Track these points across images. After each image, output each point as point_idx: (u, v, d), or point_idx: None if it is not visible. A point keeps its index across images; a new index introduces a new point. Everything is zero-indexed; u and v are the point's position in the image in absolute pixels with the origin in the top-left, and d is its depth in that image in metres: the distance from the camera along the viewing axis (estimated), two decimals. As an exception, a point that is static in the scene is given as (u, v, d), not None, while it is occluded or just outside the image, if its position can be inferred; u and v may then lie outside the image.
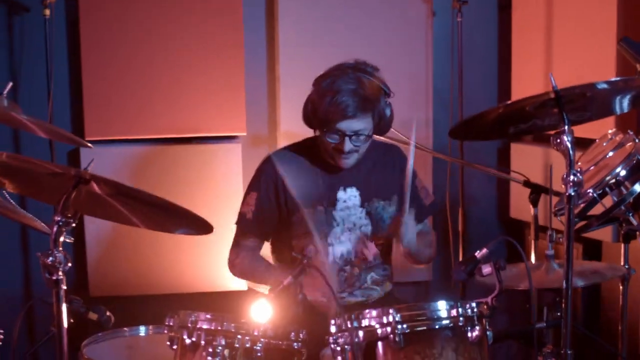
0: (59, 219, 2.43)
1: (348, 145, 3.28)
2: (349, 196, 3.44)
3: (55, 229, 2.43)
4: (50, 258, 2.40)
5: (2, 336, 3.01)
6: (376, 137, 3.45)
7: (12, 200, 3.31)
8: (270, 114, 4.69)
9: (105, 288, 4.46)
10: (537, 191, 3.74)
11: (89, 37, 4.41)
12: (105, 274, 4.48)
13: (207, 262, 4.48)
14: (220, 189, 4.47)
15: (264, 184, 3.45)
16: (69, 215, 2.45)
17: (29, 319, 4.49)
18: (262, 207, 3.44)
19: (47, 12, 4.24)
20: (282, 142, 4.43)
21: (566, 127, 2.61)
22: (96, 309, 2.96)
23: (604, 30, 4.08)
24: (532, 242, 3.79)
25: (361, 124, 3.26)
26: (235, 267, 3.54)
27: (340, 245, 3.43)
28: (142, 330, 3.35)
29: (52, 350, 2.59)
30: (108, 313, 2.99)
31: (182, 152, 4.52)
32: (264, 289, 3.43)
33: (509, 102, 2.75)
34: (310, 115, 3.34)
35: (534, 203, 3.73)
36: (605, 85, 2.68)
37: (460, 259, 4.56)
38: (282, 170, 3.39)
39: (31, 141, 4.32)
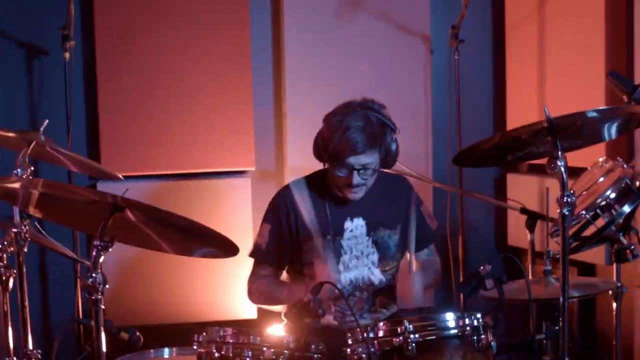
0: (97, 243, 2.57)
1: (356, 179, 3.40)
2: (355, 226, 3.56)
3: (94, 252, 2.56)
4: (91, 279, 2.53)
5: (39, 356, 3.16)
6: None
7: (42, 230, 3.47)
8: (277, 150, 4.82)
9: (124, 317, 4.48)
10: (533, 218, 3.86)
11: (105, 79, 4.57)
12: (123, 304, 4.58)
13: (219, 292, 4.62)
14: (230, 223, 4.56)
15: (276, 216, 3.58)
16: (107, 240, 2.59)
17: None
18: (275, 238, 3.57)
19: (67, 55, 4.36)
20: (290, 176, 4.54)
21: (559, 153, 2.77)
22: (127, 330, 3.11)
23: (593, 64, 4.24)
24: (529, 266, 3.95)
25: (369, 158, 3.39)
26: (253, 292, 3.64)
27: (349, 273, 3.55)
28: (166, 352, 3.46)
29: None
30: (137, 333, 3.14)
31: (194, 187, 4.66)
32: (279, 309, 3.60)
33: (507, 130, 2.90)
34: (321, 150, 3.47)
35: (531, 229, 3.82)
36: (594, 114, 2.84)
37: (461, 284, 4.68)
38: (292, 202, 3.55)
39: (50, 175, 4.29)
